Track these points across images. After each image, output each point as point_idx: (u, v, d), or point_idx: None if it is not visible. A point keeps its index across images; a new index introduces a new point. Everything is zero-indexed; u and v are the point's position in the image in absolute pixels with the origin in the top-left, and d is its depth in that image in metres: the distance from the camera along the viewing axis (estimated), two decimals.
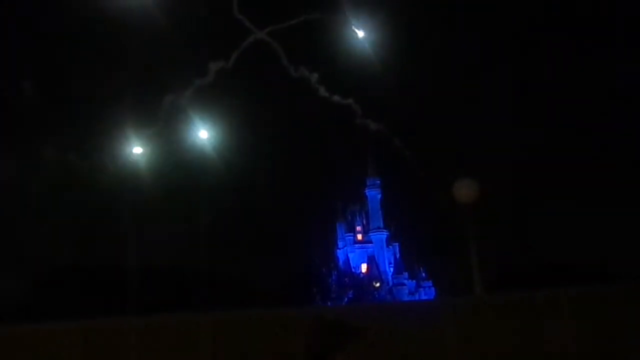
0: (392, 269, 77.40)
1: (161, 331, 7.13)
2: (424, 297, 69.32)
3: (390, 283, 75.14)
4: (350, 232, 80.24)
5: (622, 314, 6.55)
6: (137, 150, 43.42)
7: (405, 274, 76.23)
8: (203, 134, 43.98)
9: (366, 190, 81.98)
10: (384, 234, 79.53)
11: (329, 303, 55.81)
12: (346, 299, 59.97)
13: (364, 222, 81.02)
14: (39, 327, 7.63)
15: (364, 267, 76.31)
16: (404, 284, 74.79)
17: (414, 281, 75.59)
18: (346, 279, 66.83)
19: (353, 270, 74.13)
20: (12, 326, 8.71)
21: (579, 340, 6.66)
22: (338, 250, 79.35)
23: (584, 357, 6.58)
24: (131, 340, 7.10)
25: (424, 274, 76.12)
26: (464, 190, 9.97)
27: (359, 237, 79.96)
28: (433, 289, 73.80)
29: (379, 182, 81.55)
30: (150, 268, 47.17)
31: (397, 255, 78.89)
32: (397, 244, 79.66)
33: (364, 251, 78.49)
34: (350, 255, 77.87)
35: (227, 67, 39.76)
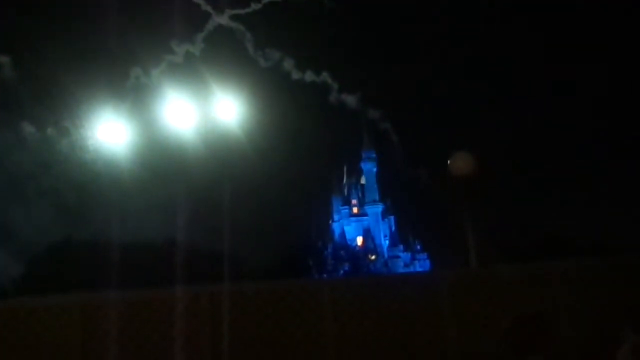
0: (387, 242, 77.84)
1: (160, 304, 7.17)
2: (419, 270, 69.83)
3: (386, 255, 75.61)
4: (345, 205, 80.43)
5: (619, 287, 6.61)
6: (115, 126, 43.09)
7: (401, 247, 76.69)
8: (185, 109, 43.62)
9: (361, 163, 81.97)
10: (379, 207, 79.78)
11: (324, 276, 56.17)
12: (342, 272, 60.36)
13: (360, 195, 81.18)
14: (37, 302, 7.65)
15: (359, 240, 76.69)
16: (399, 257, 75.29)
17: (409, 253, 76.09)
18: (342, 252, 67.19)
19: (349, 243, 74.52)
20: (8, 301, 8.75)
21: (574, 314, 6.73)
22: (334, 223, 79.62)
23: (579, 331, 6.65)
24: (129, 313, 7.14)
25: (419, 247, 76.60)
26: (460, 163, 9.96)
27: (355, 210, 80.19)
28: (428, 261, 74.35)
29: (374, 154, 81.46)
30: (142, 243, 47.20)
31: (393, 228, 79.27)
32: (392, 216, 79.97)
33: (359, 224, 78.79)
34: (346, 228, 78.18)
35: (193, 49, 39.73)
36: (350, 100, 65.93)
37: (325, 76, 58.53)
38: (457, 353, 6.84)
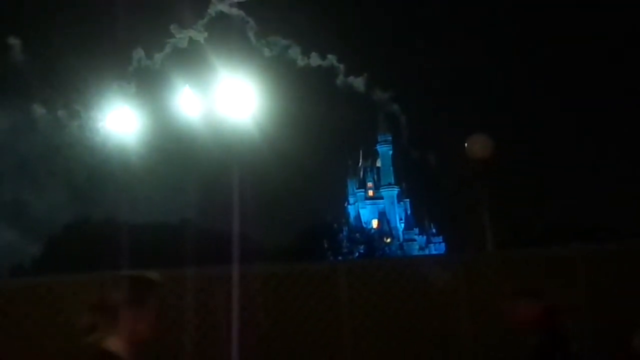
0: (402, 225, 77.80)
1: (175, 284, 7.22)
2: (434, 253, 69.82)
3: (401, 238, 75.66)
4: (361, 187, 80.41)
5: (634, 272, 6.53)
6: (125, 109, 43.34)
7: (416, 230, 76.66)
8: (194, 95, 43.59)
9: (377, 146, 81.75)
10: (394, 190, 79.67)
11: (339, 258, 56.39)
12: (357, 254, 60.54)
13: (375, 178, 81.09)
14: (56, 280, 7.74)
15: (374, 223, 76.75)
16: (414, 240, 75.30)
17: (424, 236, 76.06)
18: (357, 234, 67.33)
19: (364, 225, 74.61)
20: (28, 279, 8.86)
21: (590, 298, 6.68)
22: (349, 206, 79.69)
23: (594, 315, 6.60)
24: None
25: (434, 230, 76.52)
26: (477, 145, 9.88)
27: (370, 193, 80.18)
28: (443, 244, 74.29)
29: (390, 137, 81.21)
30: (157, 224, 47.62)
31: (408, 211, 79.18)
32: (407, 199, 79.87)
33: (375, 207, 78.82)
34: (361, 211, 78.24)
35: (196, 36, 39.89)
36: (359, 82, 65.67)
37: (331, 59, 58.40)
38: (471, 336, 6.83)
